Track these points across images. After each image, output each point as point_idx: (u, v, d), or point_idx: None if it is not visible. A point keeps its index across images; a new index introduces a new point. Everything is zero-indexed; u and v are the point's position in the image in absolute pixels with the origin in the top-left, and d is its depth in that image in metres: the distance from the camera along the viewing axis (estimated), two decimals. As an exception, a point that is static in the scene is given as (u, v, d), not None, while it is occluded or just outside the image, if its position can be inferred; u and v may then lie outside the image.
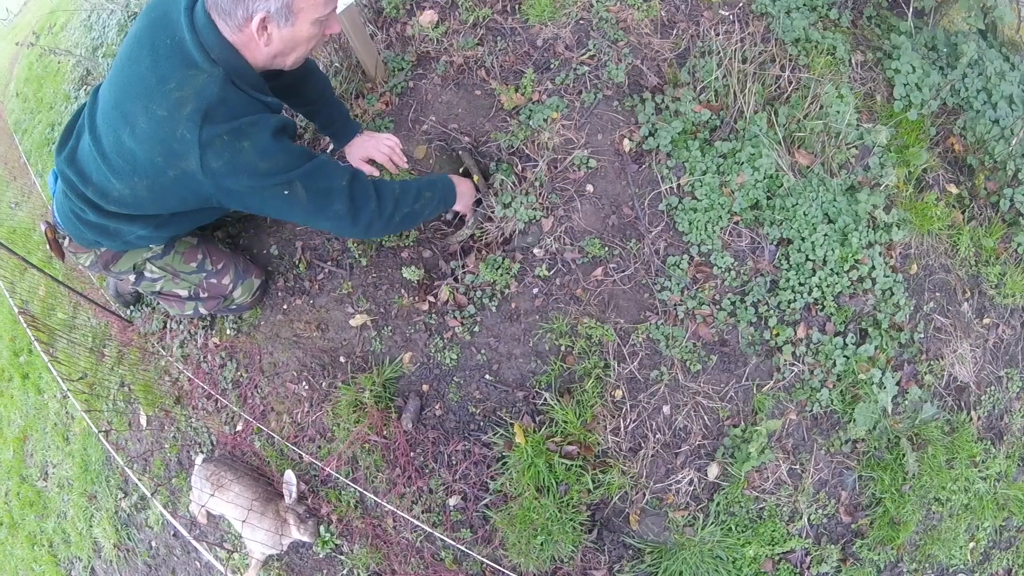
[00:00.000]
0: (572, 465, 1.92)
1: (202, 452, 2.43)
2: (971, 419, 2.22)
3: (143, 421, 2.63)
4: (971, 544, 2.23)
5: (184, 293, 2.03)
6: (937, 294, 2.19)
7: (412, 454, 2.12)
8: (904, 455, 2.08)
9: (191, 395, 2.51)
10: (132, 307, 2.68)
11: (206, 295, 2.06)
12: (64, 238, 1.83)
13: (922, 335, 2.15)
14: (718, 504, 1.93)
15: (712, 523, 1.91)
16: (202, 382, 2.47)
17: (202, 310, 2.13)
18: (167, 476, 2.56)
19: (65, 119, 2.98)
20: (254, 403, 2.35)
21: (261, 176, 1.42)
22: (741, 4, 2.37)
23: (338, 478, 2.05)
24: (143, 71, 1.39)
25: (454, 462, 2.06)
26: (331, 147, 2.26)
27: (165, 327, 2.58)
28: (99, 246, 1.79)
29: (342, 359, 2.23)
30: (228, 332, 2.40)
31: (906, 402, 2.13)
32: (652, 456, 1.97)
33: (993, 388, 2.28)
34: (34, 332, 2.54)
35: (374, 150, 2.03)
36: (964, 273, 2.25)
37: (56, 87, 3.90)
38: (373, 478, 2.06)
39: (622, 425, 1.96)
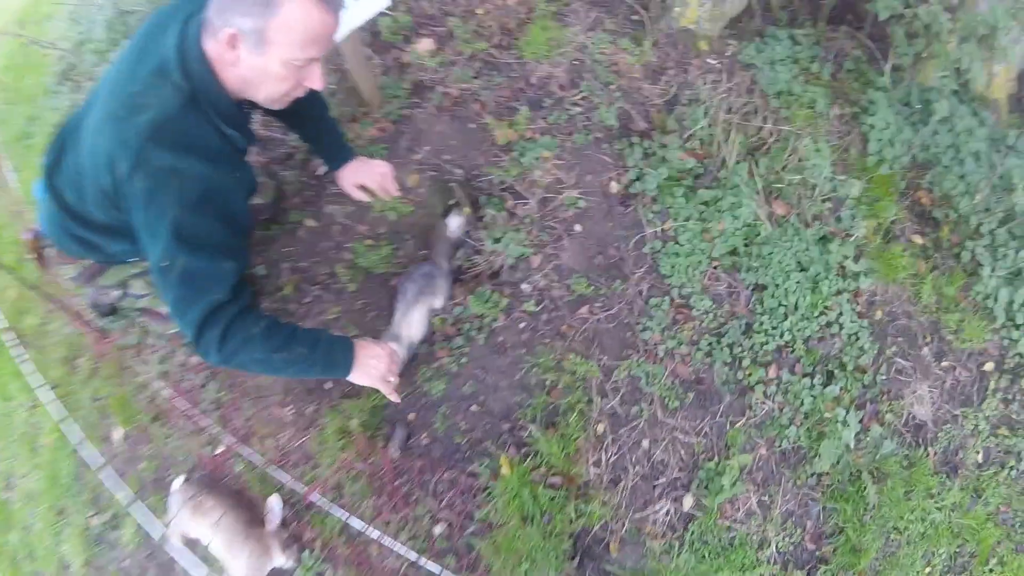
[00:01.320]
0: (556, 495, 2.26)
1: (181, 473, 2.52)
2: (928, 455, 2.63)
3: (117, 437, 2.79)
4: (927, 570, 2.61)
5: (167, 311, 2.28)
6: (900, 339, 2.62)
7: (398, 482, 2.40)
8: (865, 488, 2.48)
9: (170, 413, 2.67)
10: (109, 318, 2.88)
11: None
12: (47, 247, 1.92)
13: (884, 377, 2.56)
14: (693, 533, 2.29)
15: (687, 551, 2.27)
16: (182, 398, 2.64)
17: None
18: (143, 494, 2.63)
19: (54, 120, 3.14)
20: (236, 425, 2.54)
21: (163, 224, 1.39)
22: (729, 53, 2.77)
23: (323, 504, 2.34)
24: (124, 75, 1.47)
25: (440, 491, 2.37)
26: (323, 169, 2.56)
27: (141, 342, 2.77)
28: (84, 258, 1.88)
29: (328, 385, 2.51)
30: None
31: (868, 439, 2.53)
32: (631, 488, 2.32)
33: (949, 426, 2.70)
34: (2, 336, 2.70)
35: (367, 176, 2.15)
36: (925, 319, 2.68)
37: (37, 79, 4.05)
38: (358, 505, 2.36)
39: (604, 458, 2.31)
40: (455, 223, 2.50)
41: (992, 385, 2.69)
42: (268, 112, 2.07)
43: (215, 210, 1.45)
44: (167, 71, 1.41)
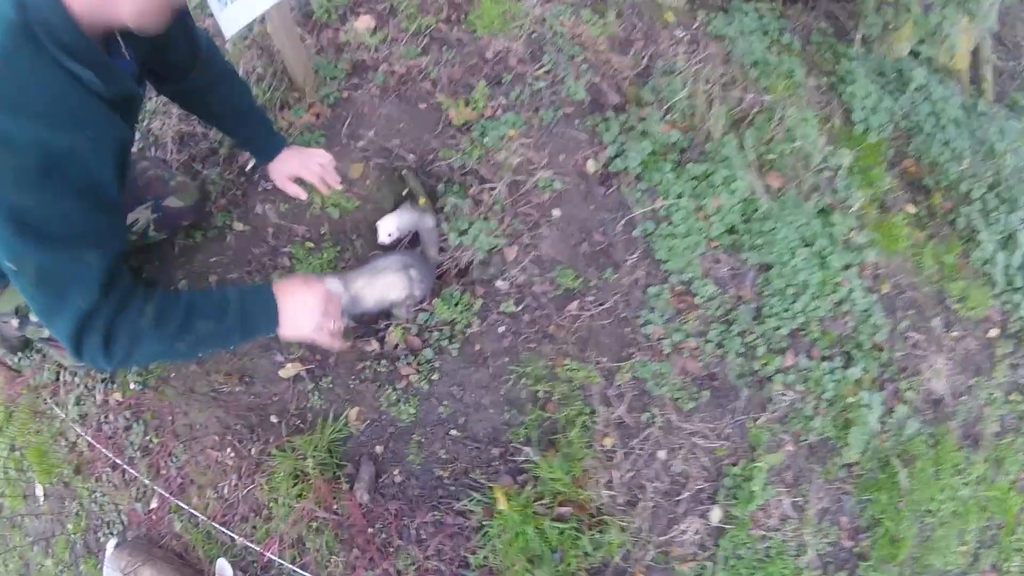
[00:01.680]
0: (566, 528, 1.93)
1: (112, 535, 2.23)
2: (949, 430, 2.52)
3: (40, 493, 2.40)
4: (962, 548, 2.51)
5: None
6: (910, 311, 2.48)
7: (371, 530, 2.02)
8: (896, 473, 2.33)
9: (93, 463, 2.30)
10: (20, 354, 2.42)
11: None
12: None
13: (900, 353, 2.42)
14: (725, 549, 2.03)
15: (721, 570, 2.00)
16: (104, 448, 2.25)
17: None
18: (73, 561, 2.34)
19: None
20: (169, 474, 2.17)
21: (3, 219, 1.10)
22: (696, 25, 2.64)
23: (282, 564, 1.91)
24: None
25: (424, 537, 2.00)
26: (252, 163, 2.21)
27: (58, 379, 2.36)
28: None
29: (274, 419, 2.11)
30: (132, 387, 2.21)
31: (892, 420, 2.37)
32: (652, 507, 2.02)
33: (965, 397, 2.60)
34: None
35: (303, 168, 1.90)
36: (930, 290, 2.57)
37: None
38: (326, 562, 1.94)
39: (616, 477, 2.00)
40: (391, 231, 2.17)
41: (999, 352, 2.64)
42: (175, 99, 1.81)
43: (65, 184, 1.13)
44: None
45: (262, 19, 2.13)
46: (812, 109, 2.57)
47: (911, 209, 2.63)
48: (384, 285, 1.98)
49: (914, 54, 3.00)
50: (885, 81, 2.80)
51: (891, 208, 2.59)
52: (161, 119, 2.33)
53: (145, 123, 2.34)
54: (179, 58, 1.59)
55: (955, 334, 2.58)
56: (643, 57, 2.49)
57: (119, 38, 1.32)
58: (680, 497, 2.06)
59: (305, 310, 1.43)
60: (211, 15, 1.82)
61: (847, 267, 2.34)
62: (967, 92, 3.12)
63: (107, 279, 1.20)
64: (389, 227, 2.14)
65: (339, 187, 1.95)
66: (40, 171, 1.09)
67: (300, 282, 1.45)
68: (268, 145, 1.93)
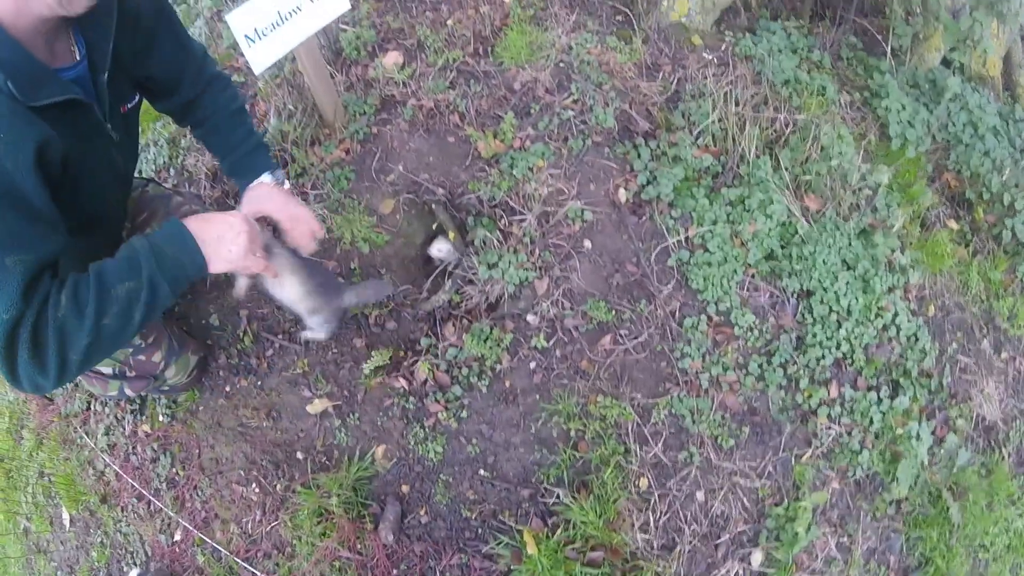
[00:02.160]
0: (598, 574, 1.55)
1: (136, 566, 1.98)
2: (1003, 457, 2.04)
3: (66, 520, 2.17)
4: None
5: (107, 371, 1.61)
6: (958, 334, 2.00)
7: (396, 572, 1.70)
8: (947, 507, 1.89)
9: (119, 493, 2.06)
10: None
11: (133, 374, 1.65)
12: None
13: (949, 379, 1.95)
14: (769, 600, 1.61)
15: (765, 624, 1.58)
16: (131, 479, 2.01)
17: (128, 391, 1.72)
18: None
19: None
20: (194, 507, 1.91)
21: None
22: (724, 47, 2.19)
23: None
24: None
25: (450, 581, 1.64)
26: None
27: (89, 408, 2.13)
28: None
29: (299, 455, 1.81)
30: (161, 419, 1.96)
31: (942, 451, 1.92)
32: (689, 551, 1.62)
33: (1018, 421, 2.12)
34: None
35: (281, 209, 1.32)
36: (978, 309, 2.08)
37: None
38: (350, 609, 1.61)
39: (652, 519, 1.61)
40: (441, 249, 1.81)
41: (1053, 373, 2.11)
42: (157, 103, 1.40)
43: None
44: None
45: (292, 57, 1.80)
46: (847, 126, 2.09)
47: (954, 225, 2.14)
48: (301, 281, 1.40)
49: (946, 63, 2.47)
50: (919, 93, 2.30)
51: (933, 225, 2.11)
52: (196, 155, 2.03)
53: (180, 160, 2.05)
54: (167, 66, 1.28)
55: (1005, 355, 2.08)
56: (671, 82, 2.06)
57: (74, 38, 1.05)
58: (720, 540, 1.65)
59: (229, 234, 1.08)
60: (242, 54, 1.52)
61: (891, 290, 1.88)
62: (1001, 99, 2.57)
63: (28, 284, 0.92)
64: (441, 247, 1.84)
65: (312, 249, 1.38)
66: None
67: (215, 215, 1.11)
68: (246, 165, 1.45)
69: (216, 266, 1.07)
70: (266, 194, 1.34)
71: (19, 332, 0.92)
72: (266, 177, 1.42)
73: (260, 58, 1.60)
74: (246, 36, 1.55)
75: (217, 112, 1.41)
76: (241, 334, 1.85)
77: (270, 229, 1.41)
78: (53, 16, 0.93)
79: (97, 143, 1.15)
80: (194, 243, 1.05)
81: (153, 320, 1.08)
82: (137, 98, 1.30)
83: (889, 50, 2.31)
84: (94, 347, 0.97)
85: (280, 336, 1.85)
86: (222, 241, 1.08)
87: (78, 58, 1.07)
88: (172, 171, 2.06)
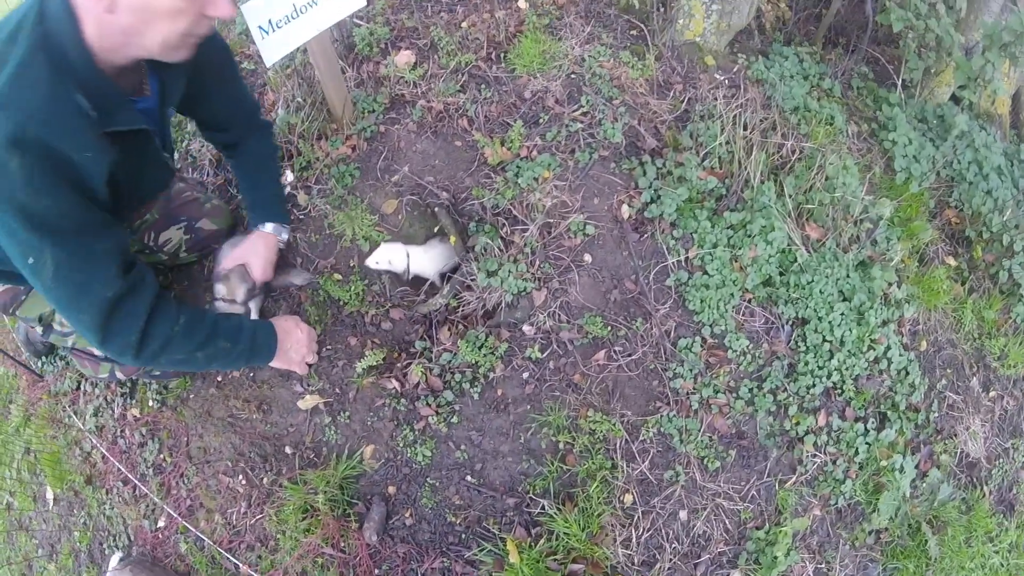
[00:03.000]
0: (577, 589, 1.57)
1: (117, 549, 2.01)
2: (984, 494, 2.07)
3: (50, 499, 2.19)
4: None
5: (100, 352, 1.67)
6: (948, 370, 2.04)
7: (377, 572, 1.72)
8: (926, 540, 1.93)
9: (105, 476, 2.09)
10: (44, 358, 2.18)
11: None
12: None
13: (937, 414, 1.99)
14: (744, 625, 1.64)
15: (739, 648, 1.61)
16: (117, 462, 2.03)
17: (119, 374, 1.76)
18: (76, 571, 2.12)
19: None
20: (179, 495, 1.93)
21: (10, 215, 1.02)
22: (736, 69, 2.21)
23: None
24: None
25: (430, 585, 1.66)
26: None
27: (79, 388, 2.15)
28: None
29: (288, 450, 1.83)
30: (151, 404, 1.97)
31: (924, 485, 1.95)
32: (669, 569, 1.66)
33: (1001, 460, 2.15)
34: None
35: (257, 269, 1.63)
36: (969, 347, 2.11)
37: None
38: (329, 607, 1.63)
39: (634, 535, 1.64)
40: (380, 261, 1.84)
41: (1039, 414, 2.15)
42: (203, 128, 1.66)
43: (65, 184, 1.06)
44: (16, 31, 1.02)
45: (303, 49, 1.81)
46: (853, 157, 2.12)
47: (952, 261, 2.17)
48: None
49: (955, 99, 2.50)
50: (926, 128, 2.33)
51: (931, 260, 2.14)
52: (200, 141, 2.04)
53: (184, 144, 2.05)
54: (222, 112, 1.55)
55: (993, 394, 2.12)
56: (682, 101, 2.09)
57: (148, 74, 1.25)
58: (700, 560, 1.68)
59: (298, 347, 1.59)
60: (254, 43, 1.53)
61: (885, 323, 1.91)
62: (1008, 138, 2.60)
63: (121, 264, 1.16)
64: (379, 257, 1.83)
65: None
66: (43, 170, 1.02)
67: (295, 324, 1.60)
68: (268, 208, 1.72)
69: (276, 364, 1.55)
70: (252, 250, 1.63)
71: (118, 309, 1.15)
72: (269, 226, 1.68)
73: (272, 50, 1.61)
74: (260, 27, 1.56)
75: (253, 156, 1.66)
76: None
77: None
78: (147, 58, 1.12)
79: (151, 166, 1.37)
80: (275, 347, 1.50)
81: (219, 370, 1.55)
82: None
83: (900, 82, 2.34)
84: (176, 364, 1.30)
85: (275, 330, 1.87)
86: (291, 350, 1.56)
87: (149, 93, 1.26)
88: (176, 155, 2.07)
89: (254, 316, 1.70)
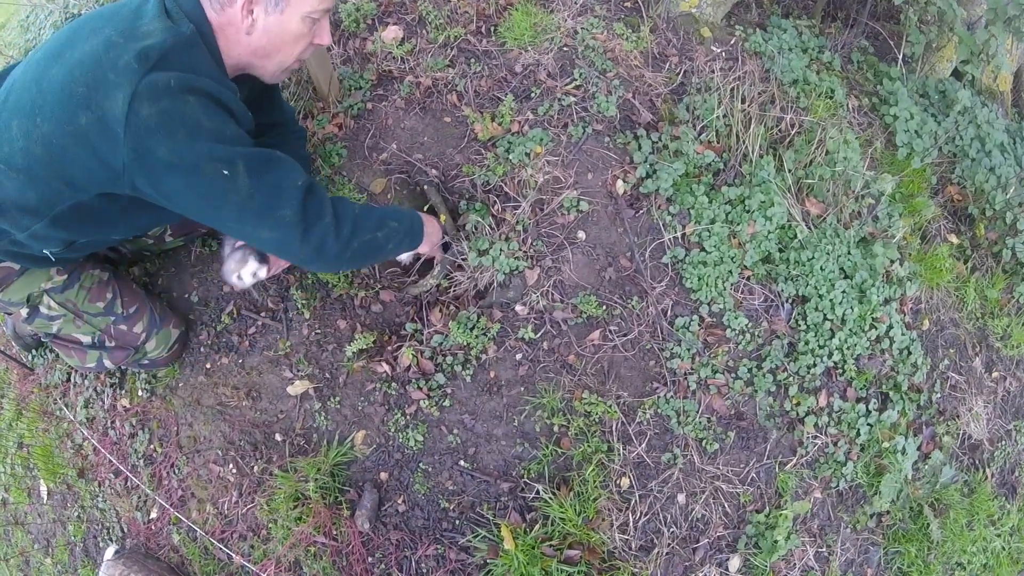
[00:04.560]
0: (574, 572, 1.54)
1: (112, 542, 1.99)
2: (986, 477, 2.04)
3: (44, 493, 2.16)
4: None
5: (86, 339, 1.63)
6: (951, 350, 1.99)
7: (370, 560, 1.68)
8: (928, 523, 1.89)
9: (97, 468, 2.05)
10: (35, 352, 2.13)
11: (113, 344, 1.66)
12: None
13: (939, 395, 1.94)
14: (744, 609, 1.60)
15: (740, 632, 1.58)
16: (108, 453, 1.99)
17: (107, 363, 1.71)
18: (72, 564, 2.09)
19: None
20: (171, 485, 1.90)
21: (201, 140, 1.10)
22: (733, 41, 2.15)
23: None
24: (91, 30, 1.14)
25: (424, 571, 1.63)
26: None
27: (69, 380, 2.10)
28: None
29: (278, 437, 1.78)
30: (140, 394, 1.93)
31: (927, 467, 1.91)
32: (667, 554, 1.62)
33: (1004, 442, 2.12)
34: None
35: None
36: (972, 326, 2.07)
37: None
38: (321, 595, 1.59)
39: (631, 520, 1.59)
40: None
41: (1043, 396, 2.11)
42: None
43: (236, 120, 1.19)
44: (165, 14, 1.15)
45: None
46: (853, 131, 2.07)
47: (954, 239, 2.12)
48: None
49: (957, 74, 2.45)
50: (928, 103, 2.28)
51: (934, 238, 2.09)
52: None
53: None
54: (263, 120, 1.57)
55: (996, 375, 2.08)
56: (678, 73, 2.03)
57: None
58: (698, 544, 1.64)
59: (437, 234, 1.66)
60: None
61: (887, 301, 1.86)
62: (1010, 115, 2.55)
63: (302, 163, 1.32)
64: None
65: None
66: (216, 107, 1.13)
67: (429, 215, 1.66)
68: None
69: (423, 247, 1.60)
70: None
71: (314, 195, 1.24)
72: None
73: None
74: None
75: (289, 152, 1.63)
76: (222, 312, 1.81)
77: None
78: (255, 76, 1.33)
79: None
80: (422, 228, 1.56)
81: (390, 255, 1.53)
82: None
83: (901, 57, 2.28)
84: (367, 248, 1.36)
85: (263, 315, 1.81)
86: (430, 234, 1.61)
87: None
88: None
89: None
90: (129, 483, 1.94)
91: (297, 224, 1.21)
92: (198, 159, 1.10)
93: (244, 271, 1.51)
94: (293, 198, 1.20)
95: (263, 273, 1.54)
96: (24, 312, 1.53)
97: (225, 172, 1.12)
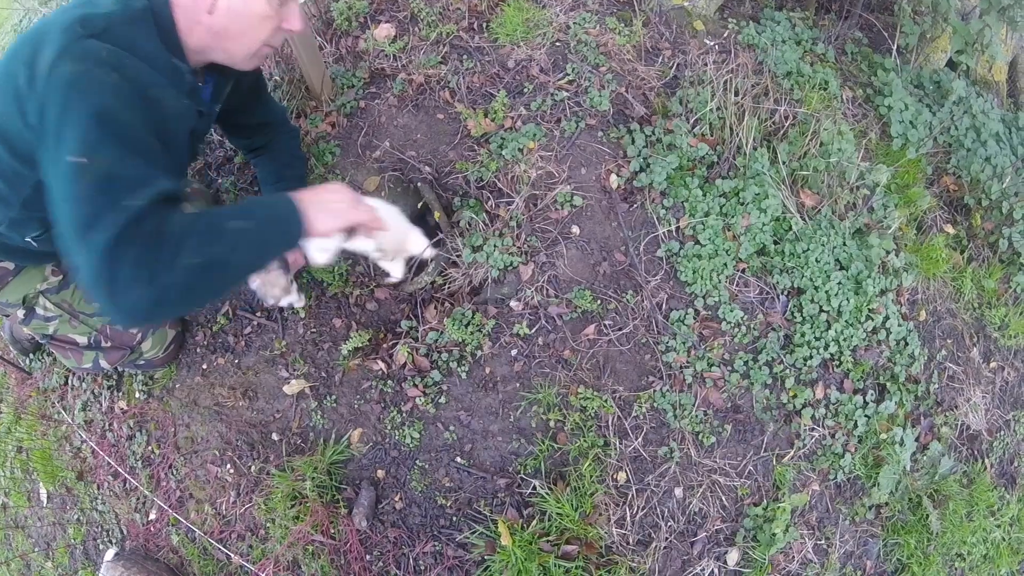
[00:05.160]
0: (572, 567, 1.53)
1: (111, 544, 1.98)
2: (985, 467, 2.02)
3: (44, 496, 2.16)
4: None
5: (82, 340, 1.62)
6: (948, 341, 1.98)
7: (368, 558, 1.67)
8: (927, 514, 1.87)
9: (96, 470, 2.04)
10: (32, 356, 2.13)
11: (108, 344, 1.65)
12: None
13: (937, 385, 1.93)
14: (743, 602, 1.59)
15: (738, 625, 1.56)
16: (107, 456, 1.98)
17: (103, 363, 1.70)
18: (72, 568, 2.08)
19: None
20: (169, 487, 1.89)
21: (91, 114, 0.94)
22: (726, 34, 2.14)
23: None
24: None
25: (422, 568, 1.62)
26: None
27: (66, 383, 2.10)
28: None
29: (275, 436, 1.77)
30: (137, 395, 1.92)
31: (925, 458, 1.90)
32: (665, 548, 1.60)
33: (1002, 432, 2.10)
34: None
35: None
36: (969, 317, 2.06)
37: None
38: (319, 593, 1.58)
39: (628, 514, 1.58)
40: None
41: (1041, 385, 2.10)
42: (244, 145, 1.71)
43: (151, 116, 1.04)
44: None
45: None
46: (848, 122, 2.05)
47: (950, 229, 2.11)
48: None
49: (951, 65, 2.43)
50: (923, 94, 2.26)
51: (930, 228, 2.08)
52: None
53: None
54: (251, 118, 1.58)
55: (994, 365, 2.06)
56: (671, 67, 2.01)
57: (204, 72, 1.29)
58: (696, 538, 1.63)
59: (332, 197, 1.15)
60: None
61: (883, 292, 1.85)
62: (1005, 105, 2.54)
63: (163, 194, 0.99)
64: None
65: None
66: (136, 95, 1.01)
67: (327, 189, 1.18)
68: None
69: (322, 224, 1.10)
70: None
71: (137, 231, 0.93)
72: None
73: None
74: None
75: (280, 155, 1.65)
76: (218, 312, 1.81)
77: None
78: (220, 63, 1.22)
79: (189, 152, 1.35)
80: (294, 205, 1.09)
81: (247, 269, 1.13)
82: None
83: (895, 48, 2.26)
84: (196, 273, 0.96)
85: (259, 315, 1.81)
86: (327, 203, 1.12)
87: (203, 84, 1.31)
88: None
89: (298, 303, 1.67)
90: (128, 485, 1.94)
91: (104, 252, 0.91)
92: (75, 128, 0.95)
93: (273, 290, 1.49)
94: (112, 223, 0.91)
95: (288, 283, 1.52)
96: (20, 314, 1.53)
97: (78, 158, 0.93)
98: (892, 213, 1.94)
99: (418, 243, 1.41)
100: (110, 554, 1.87)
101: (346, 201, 1.15)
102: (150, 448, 1.90)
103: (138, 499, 1.94)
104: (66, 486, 2.09)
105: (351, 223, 1.17)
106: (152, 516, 1.92)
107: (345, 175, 1.85)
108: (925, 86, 2.26)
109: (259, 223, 1.06)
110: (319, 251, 1.20)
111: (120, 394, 1.96)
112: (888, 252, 1.87)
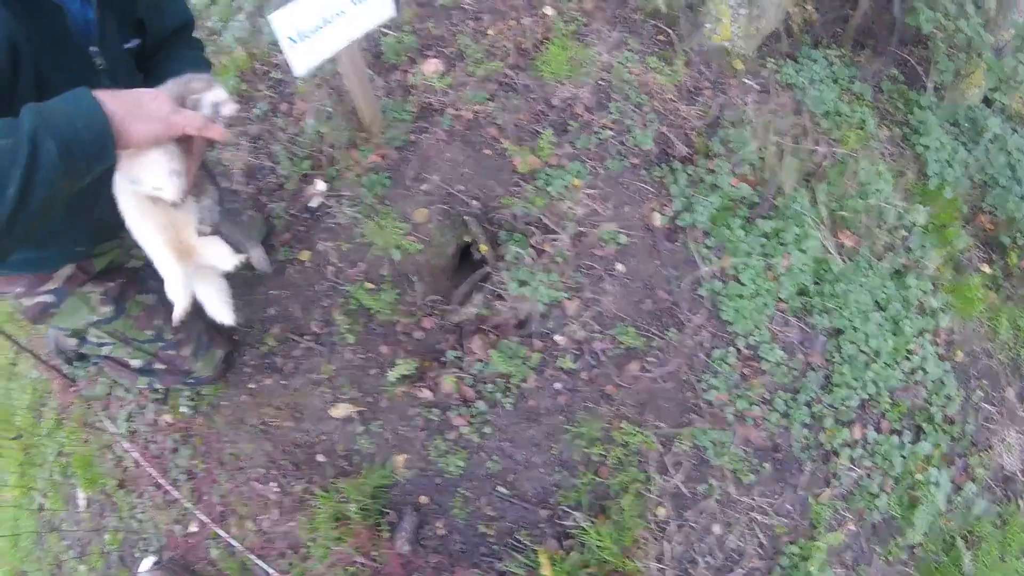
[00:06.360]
0: (610, 602, 1.53)
1: (149, 552, 1.98)
2: (1019, 508, 2.01)
3: (81, 501, 2.17)
4: None
5: (137, 364, 1.61)
6: (983, 381, 1.97)
7: None
8: (960, 556, 1.84)
9: (137, 480, 2.06)
10: (76, 364, 2.18)
11: (163, 367, 1.65)
12: None
13: (972, 426, 1.92)
14: (780, 641, 1.59)
15: (775, 667, 1.57)
16: (150, 467, 2.00)
17: (158, 386, 1.68)
18: (106, 572, 2.09)
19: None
20: (211, 501, 1.91)
21: None
22: (765, 73, 2.15)
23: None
24: None
25: (463, 596, 1.63)
26: (316, 200, 1.87)
27: (111, 394, 2.12)
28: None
29: (320, 457, 1.80)
30: (183, 410, 1.96)
31: (959, 499, 1.88)
32: (702, 585, 1.60)
33: None
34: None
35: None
36: (1005, 357, 2.05)
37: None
38: (362, 619, 1.61)
39: (667, 549, 1.59)
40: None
41: (1076, 428, 2.06)
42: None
43: None
44: None
45: (332, 59, 1.78)
46: (885, 162, 2.06)
47: (986, 268, 2.10)
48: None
49: (987, 101, 2.42)
50: (958, 131, 2.26)
51: (966, 268, 2.07)
52: (231, 151, 2.01)
53: (215, 153, 2.02)
54: (142, 9, 1.16)
55: (1028, 404, 2.04)
56: (711, 106, 2.03)
57: None
58: (733, 574, 1.63)
59: (147, 96, 0.86)
60: (283, 52, 1.49)
61: (921, 333, 1.85)
62: (1039, 143, 2.52)
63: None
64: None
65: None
66: None
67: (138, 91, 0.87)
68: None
69: (138, 129, 0.83)
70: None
71: None
72: None
73: (302, 60, 1.57)
74: (289, 37, 1.52)
75: (178, 60, 1.23)
76: (266, 334, 1.85)
77: None
78: None
79: (69, 55, 1.02)
80: (93, 101, 0.79)
81: (45, 205, 0.77)
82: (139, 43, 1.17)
83: (931, 85, 2.26)
84: None
85: (307, 338, 1.84)
86: (140, 103, 0.84)
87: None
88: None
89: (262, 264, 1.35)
90: (169, 496, 1.97)
91: None
92: None
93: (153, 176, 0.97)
94: None
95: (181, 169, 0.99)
96: (73, 342, 1.55)
97: None
98: (929, 253, 1.94)
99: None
100: (148, 562, 1.89)
101: (165, 105, 0.87)
102: (194, 462, 1.93)
103: (179, 511, 1.97)
104: (105, 493, 2.12)
105: (175, 130, 0.88)
106: (192, 528, 1.93)
107: (395, 206, 1.88)
108: (960, 123, 2.26)
109: (31, 133, 0.75)
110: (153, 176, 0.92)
111: (166, 408, 2.00)
112: (925, 292, 1.87)
